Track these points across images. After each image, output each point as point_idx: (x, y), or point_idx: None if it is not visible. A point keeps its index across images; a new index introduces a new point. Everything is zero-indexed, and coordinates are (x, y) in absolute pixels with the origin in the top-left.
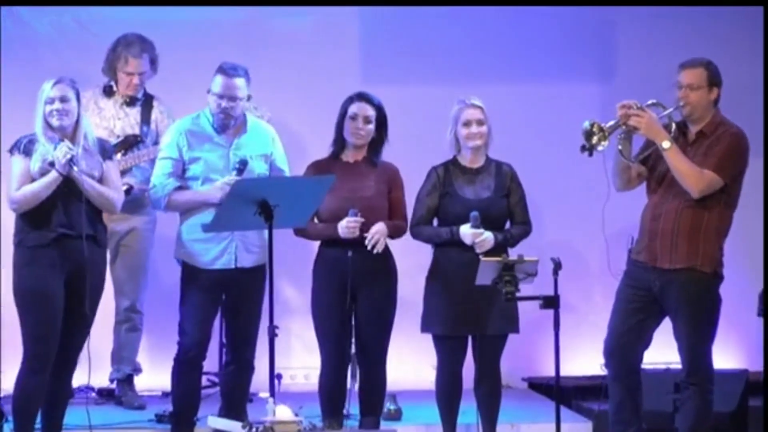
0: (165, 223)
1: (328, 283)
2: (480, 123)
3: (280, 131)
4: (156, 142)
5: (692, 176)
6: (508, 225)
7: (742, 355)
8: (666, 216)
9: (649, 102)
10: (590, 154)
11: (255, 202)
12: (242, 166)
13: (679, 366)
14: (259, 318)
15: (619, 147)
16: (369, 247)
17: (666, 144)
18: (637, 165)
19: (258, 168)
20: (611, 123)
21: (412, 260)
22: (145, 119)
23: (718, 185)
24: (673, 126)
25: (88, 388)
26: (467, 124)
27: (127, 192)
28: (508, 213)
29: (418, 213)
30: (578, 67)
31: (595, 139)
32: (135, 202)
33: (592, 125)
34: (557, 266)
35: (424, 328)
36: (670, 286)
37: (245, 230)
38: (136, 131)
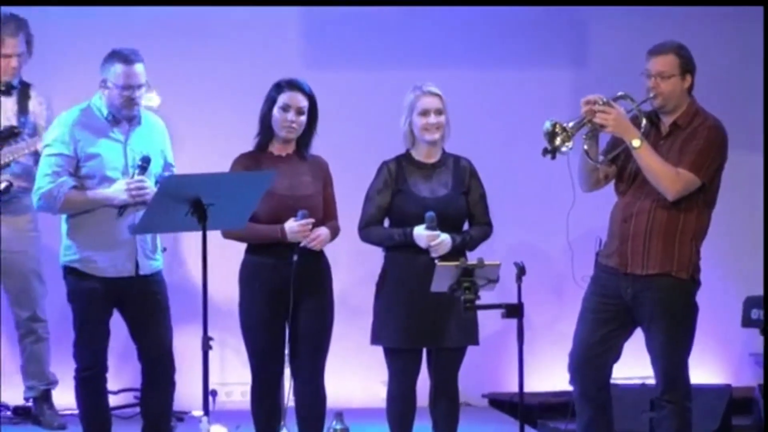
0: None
1: (261, 290)
2: (438, 113)
3: (211, 122)
4: (34, 134)
5: (667, 177)
6: (466, 226)
7: (724, 370)
8: (638, 217)
9: (617, 95)
10: (553, 157)
11: (187, 201)
12: (146, 163)
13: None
14: (171, 328)
15: (585, 147)
16: (303, 245)
17: (636, 142)
18: (605, 165)
19: (155, 165)
20: (574, 121)
21: (361, 265)
22: (23, 109)
23: (696, 185)
24: (644, 120)
25: (2, 407)
26: (424, 113)
27: (7, 190)
28: (467, 212)
29: (368, 212)
30: (547, 50)
31: (558, 141)
32: (15, 201)
33: (554, 125)
34: (521, 271)
35: (375, 339)
36: (643, 293)
37: (177, 232)
38: (14, 122)
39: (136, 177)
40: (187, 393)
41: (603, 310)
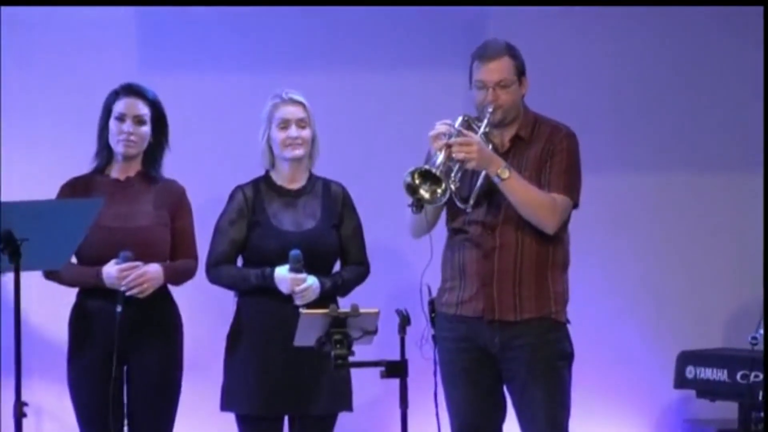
0: None
1: (89, 344)
2: (301, 124)
3: (32, 141)
4: None
5: (545, 208)
6: (338, 266)
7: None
8: (502, 251)
9: (460, 120)
10: (420, 209)
11: None
12: None
13: None
14: None
15: (453, 188)
16: (126, 291)
17: (505, 173)
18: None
19: None
20: (440, 161)
21: (209, 311)
22: None
23: (570, 209)
24: (490, 144)
25: None
26: (283, 125)
27: None
28: (338, 250)
29: (218, 248)
30: (438, 47)
31: (439, 191)
32: None
33: (413, 174)
34: (404, 321)
35: (225, 405)
36: (517, 342)
37: None
38: None
39: None
40: None
41: (475, 368)
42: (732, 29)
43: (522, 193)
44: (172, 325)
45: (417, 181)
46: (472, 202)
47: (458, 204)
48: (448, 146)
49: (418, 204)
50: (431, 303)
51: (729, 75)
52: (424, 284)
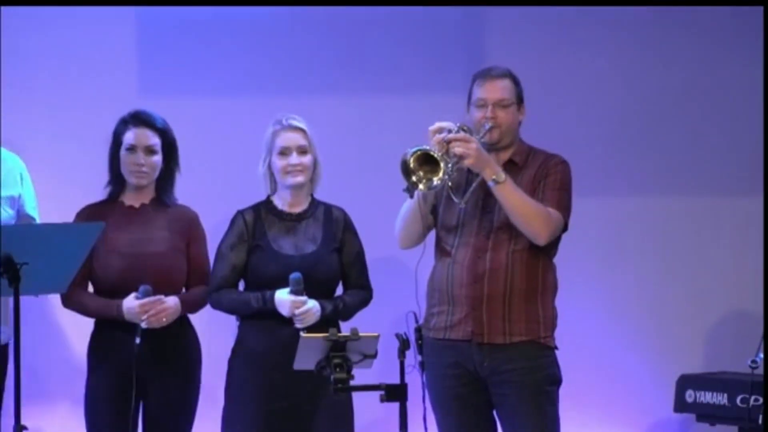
0: None
1: (107, 372)
2: (302, 151)
3: (33, 169)
4: None
5: (540, 217)
6: (340, 290)
7: None
8: (492, 275)
9: (457, 126)
10: (411, 195)
11: None
12: None
13: None
14: None
15: (450, 185)
16: (144, 325)
17: (501, 176)
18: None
19: (3, 215)
20: (439, 153)
21: (212, 335)
22: None
23: (561, 227)
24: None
25: None
26: (283, 152)
27: None
28: (340, 273)
29: (220, 273)
30: (438, 71)
31: (435, 179)
32: None
33: (413, 155)
34: (404, 344)
35: (226, 429)
36: (507, 366)
37: None
38: None
39: None
40: None
41: (467, 393)
42: (733, 52)
43: (516, 198)
44: (193, 354)
45: (413, 165)
46: (466, 197)
47: (453, 197)
48: (448, 141)
49: (413, 188)
50: (418, 330)
51: (729, 100)
52: (409, 311)
